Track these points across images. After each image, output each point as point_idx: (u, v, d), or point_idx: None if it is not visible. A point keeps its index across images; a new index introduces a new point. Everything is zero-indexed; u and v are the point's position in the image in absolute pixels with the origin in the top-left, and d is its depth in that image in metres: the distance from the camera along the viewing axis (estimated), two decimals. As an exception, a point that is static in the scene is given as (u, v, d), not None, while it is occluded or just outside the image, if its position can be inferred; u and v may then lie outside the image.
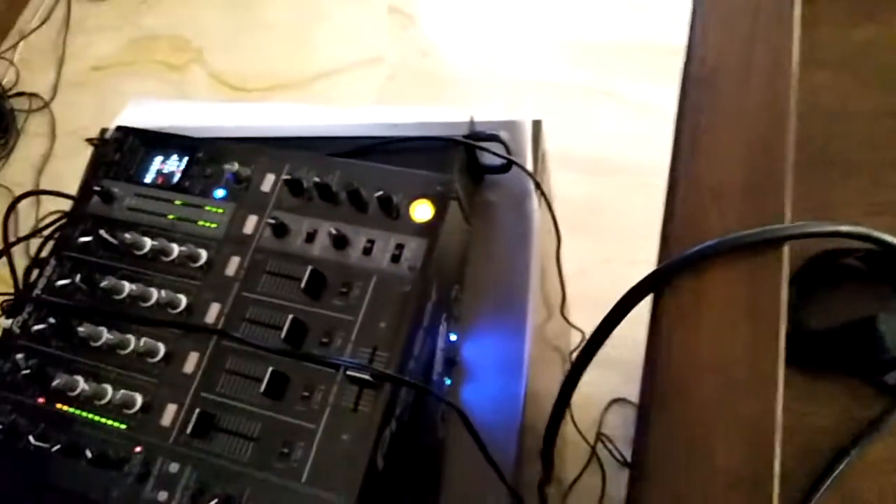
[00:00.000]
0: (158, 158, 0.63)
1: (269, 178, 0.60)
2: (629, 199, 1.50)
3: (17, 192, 1.80)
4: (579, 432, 1.31)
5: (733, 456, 0.27)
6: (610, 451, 1.33)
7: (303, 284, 0.54)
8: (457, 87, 1.67)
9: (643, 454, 0.28)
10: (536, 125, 0.73)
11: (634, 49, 1.64)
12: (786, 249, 0.31)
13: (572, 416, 1.30)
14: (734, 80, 0.34)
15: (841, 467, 0.31)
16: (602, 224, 1.47)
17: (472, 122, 0.67)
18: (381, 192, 0.56)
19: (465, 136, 0.66)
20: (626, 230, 1.47)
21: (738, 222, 0.31)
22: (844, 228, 0.31)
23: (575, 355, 0.40)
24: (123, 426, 0.54)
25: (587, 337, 0.36)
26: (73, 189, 0.73)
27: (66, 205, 0.70)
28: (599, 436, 1.34)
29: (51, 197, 0.79)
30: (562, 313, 1.06)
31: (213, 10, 1.92)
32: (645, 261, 1.44)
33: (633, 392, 1.38)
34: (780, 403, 0.28)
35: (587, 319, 1.19)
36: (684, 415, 0.29)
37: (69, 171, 1.72)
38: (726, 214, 0.32)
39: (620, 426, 1.37)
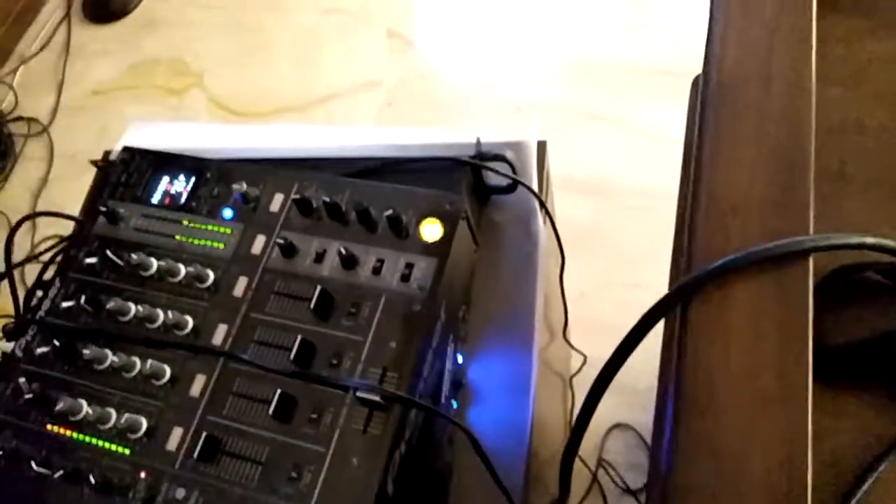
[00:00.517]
0: (165, 179, 0.63)
1: (278, 198, 0.60)
2: (628, 222, 1.50)
3: (14, 217, 1.80)
4: (580, 458, 1.30)
5: (767, 470, 0.27)
6: (611, 478, 1.32)
7: (312, 305, 0.54)
8: (455, 111, 1.68)
9: (671, 466, 0.28)
10: (541, 146, 0.73)
11: (632, 72, 1.66)
12: (811, 261, 0.31)
13: (574, 441, 1.28)
14: (753, 95, 0.34)
15: (868, 484, 0.31)
16: (600, 247, 1.47)
17: (478, 143, 0.67)
18: (390, 212, 0.56)
19: (471, 157, 0.66)
20: (624, 253, 1.47)
21: (760, 236, 0.31)
22: (870, 240, 0.31)
23: (596, 373, 0.39)
24: (128, 451, 0.53)
25: (609, 356, 0.36)
26: (72, 212, 0.73)
27: (65, 228, 0.70)
28: (600, 462, 1.33)
29: (47, 221, 0.78)
30: (564, 336, 1.05)
31: (214, 35, 1.94)
32: (645, 284, 1.44)
33: (633, 417, 1.37)
34: (810, 416, 0.28)
35: (587, 343, 1.19)
36: (714, 427, 0.28)
37: (67, 195, 1.73)
38: (749, 228, 0.32)
39: (622, 452, 1.36)
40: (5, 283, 0.67)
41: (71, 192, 1.75)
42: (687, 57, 1.61)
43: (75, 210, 0.74)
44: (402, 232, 0.56)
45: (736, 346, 0.30)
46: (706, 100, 0.35)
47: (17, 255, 0.71)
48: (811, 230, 0.32)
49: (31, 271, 0.69)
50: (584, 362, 1.22)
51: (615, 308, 1.47)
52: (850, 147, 0.38)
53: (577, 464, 1.34)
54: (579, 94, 1.65)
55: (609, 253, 1.47)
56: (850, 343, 0.34)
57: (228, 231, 0.59)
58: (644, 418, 1.33)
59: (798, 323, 0.30)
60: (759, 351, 0.29)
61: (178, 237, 0.60)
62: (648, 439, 1.32)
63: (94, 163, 0.75)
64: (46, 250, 0.69)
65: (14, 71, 1.98)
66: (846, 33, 0.41)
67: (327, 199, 0.57)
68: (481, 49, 1.77)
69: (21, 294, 0.65)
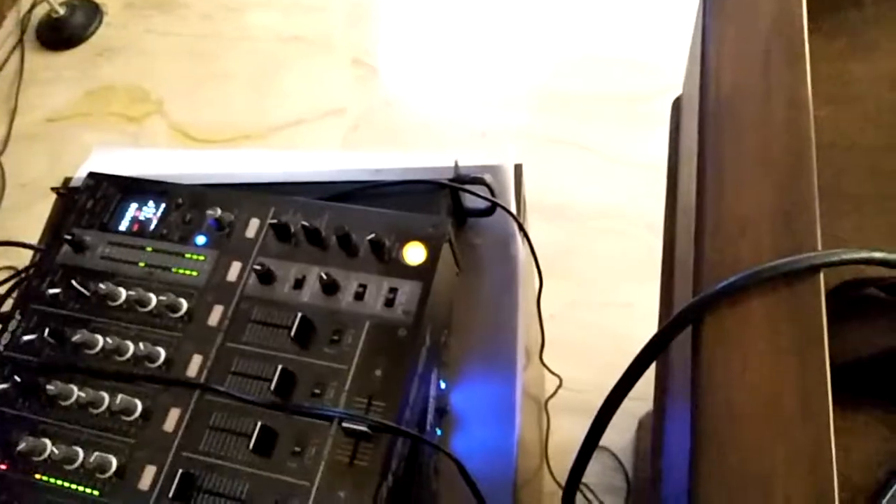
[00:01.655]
0: (133, 205, 0.60)
1: (254, 224, 0.58)
2: (594, 245, 1.52)
3: (-37, 248, 1.71)
4: (556, 482, 1.29)
5: (795, 492, 0.26)
6: (588, 501, 1.31)
7: (292, 333, 0.52)
8: (421, 137, 1.68)
9: (693, 492, 0.27)
10: (518, 170, 0.73)
11: (594, 98, 1.69)
12: (822, 277, 0.31)
13: (549, 466, 1.27)
14: (754, 114, 0.34)
15: (884, 501, 0.31)
16: (568, 270, 1.48)
17: (456, 166, 0.67)
18: (371, 236, 0.54)
19: (450, 180, 0.65)
20: (592, 276, 1.48)
21: (771, 253, 0.31)
22: (878, 255, 0.31)
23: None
24: (97, 493, 0.50)
25: (616, 385, 0.35)
26: (25, 242, 0.70)
27: (17, 259, 0.67)
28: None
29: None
30: (541, 359, 1.05)
31: (173, 62, 1.91)
32: (614, 305, 1.44)
33: (610, 439, 1.36)
34: (832, 434, 0.27)
35: (560, 365, 1.19)
36: (736, 449, 0.28)
37: (19, 225, 1.66)
38: (759, 245, 0.31)
39: (598, 474, 1.35)
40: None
41: (23, 221, 1.69)
42: (647, 84, 1.66)
43: (28, 239, 0.71)
44: (384, 256, 0.55)
45: (754, 364, 0.29)
46: (704, 119, 0.35)
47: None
48: (819, 245, 0.31)
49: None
50: (560, 385, 1.21)
51: (586, 330, 1.48)
52: (843, 164, 0.39)
53: (553, 486, 1.33)
54: (543, 120, 1.67)
55: (577, 276, 1.47)
56: (857, 360, 0.34)
57: (202, 258, 0.57)
58: (621, 440, 1.32)
59: (815, 339, 0.29)
60: (778, 368, 0.29)
61: (148, 265, 0.57)
62: (626, 462, 1.32)
63: (55, 190, 0.72)
64: (2, 282, 0.66)
65: (-37, 99, 1.91)
66: (831, 54, 0.42)
67: (306, 224, 0.56)
68: (447, 77, 1.78)
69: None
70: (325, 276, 0.53)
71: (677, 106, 0.58)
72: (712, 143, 0.34)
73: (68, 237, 0.58)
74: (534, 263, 0.76)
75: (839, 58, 0.43)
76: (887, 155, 0.41)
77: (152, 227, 0.59)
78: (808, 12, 0.39)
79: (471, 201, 0.67)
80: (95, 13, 2.01)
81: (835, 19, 0.44)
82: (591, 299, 1.46)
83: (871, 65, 0.43)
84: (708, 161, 0.34)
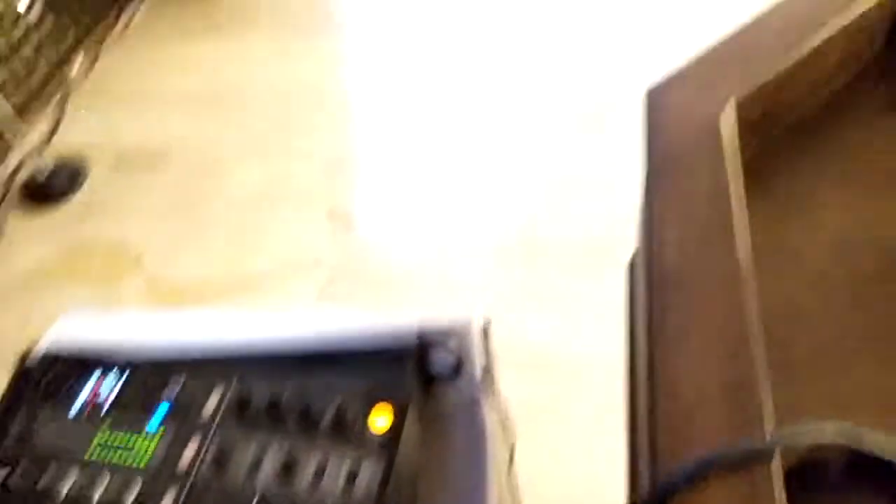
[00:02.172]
0: (88, 385, 0.58)
1: (213, 400, 0.56)
2: (573, 397, 1.49)
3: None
4: None
5: None
6: None
7: (246, 524, 0.49)
8: (396, 290, 1.69)
9: None
10: (485, 328, 0.73)
11: (568, 246, 1.72)
12: (778, 455, 0.30)
13: None
14: (698, 292, 0.34)
15: None
16: (545, 424, 1.43)
17: (421, 330, 0.67)
18: (333, 409, 0.53)
19: (415, 344, 0.64)
20: (571, 429, 1.44)
21: (722, 431, 0.30)
22: (827, 441, 0.30)
23: None
24: None
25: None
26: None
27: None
28: None
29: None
30: (520, 527, 0.99)
31: (154, 218, 1.94)
32: (596, 459, 1.36)
33: None
34: None
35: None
36: None
37: (-17, 390, 1.61)
38: (709, 423, 0.31)
39: None
40: None
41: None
42: (618, 230, 1.69)
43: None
44: (345, 430, 0.53)
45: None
46: (652, 299, 0.35)
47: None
48: (771, 419, 0.31)
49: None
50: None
51: (568, 493, 1.41)
52: (793, 331, 0.39)
53: None
54: (517, 270, 1.69)
55: (555, 430, 1.43)
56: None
57: (154, 443, 0.54)
58: None
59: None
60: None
61: (98, 450, 0.55)
62: None
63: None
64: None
65: (-63, 259, 1.92)
66: (765, 222, 0.43)
67: (265, 398, 0.54)
68: (422, 229, 1.82)
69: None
70: (283, 457, 0.51)
71: (632, 267, 0.60)
72: (659, 325, 0.34)
73: (14, 420, 0.56)
74: (506, 424, 0.74)
75: (772, 225, 0.44)
76: (837, 318, 0.41)
77: (105, 409, 0.57)
78: (746, 179, 0.41)
79: (437, 365, 0.67)
80: (79, 173, 2.07)
81: (773, 184, 0.46)
82: (570, 457, 1.41)
83: (800, 231, 0.44)
84: (656, 335, 0.34)
